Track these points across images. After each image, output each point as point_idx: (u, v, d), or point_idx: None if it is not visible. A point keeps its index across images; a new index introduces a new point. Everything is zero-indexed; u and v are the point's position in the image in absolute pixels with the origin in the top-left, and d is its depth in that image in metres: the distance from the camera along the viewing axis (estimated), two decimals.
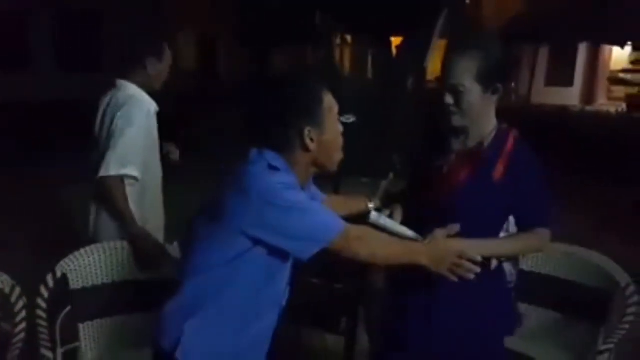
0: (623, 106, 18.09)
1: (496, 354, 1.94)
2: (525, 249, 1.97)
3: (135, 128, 2.49)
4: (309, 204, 1.59)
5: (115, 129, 2.48)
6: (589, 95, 20.51)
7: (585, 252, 2.61)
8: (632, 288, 2.44)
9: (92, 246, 2.43)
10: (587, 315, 2.55)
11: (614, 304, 2.48)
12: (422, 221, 1.80)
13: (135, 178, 2.52)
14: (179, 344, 1.61)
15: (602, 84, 21.42)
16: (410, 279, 1.84)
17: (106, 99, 2.61)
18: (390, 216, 1.87)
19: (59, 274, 2.31)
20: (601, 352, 2.31)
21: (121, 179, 2.48)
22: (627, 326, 2.36)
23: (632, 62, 20.05)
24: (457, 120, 1.79)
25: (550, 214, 1.87)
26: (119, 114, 2.49)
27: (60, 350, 2.23)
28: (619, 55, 20.89)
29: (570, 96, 19.86)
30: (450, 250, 1.65)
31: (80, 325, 2.37)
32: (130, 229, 2.49)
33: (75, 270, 2.36)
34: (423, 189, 1.88)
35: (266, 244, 1.55)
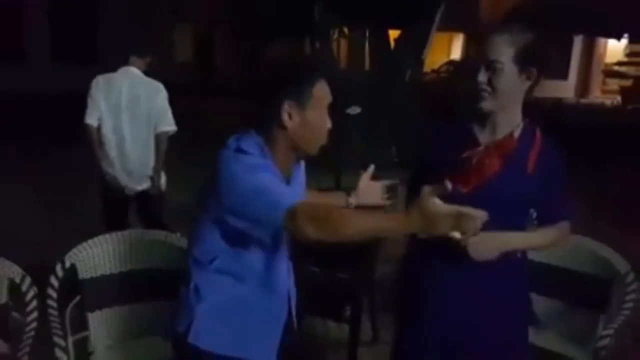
0: (618, 99, 18.15)
1: (517, 343, 1.94)
2: (554, 242, 1.94)
3: None
4: (264, 183, 1.50)
5: (163, 100, 3.68)
6: (583, 88, 20.57)
7: (585, 240, 2.64)
8: (631, 275, 2.48)
9: (100, 236, 2.46)
10: (588, 303, 2.59)
11: (614, 292, 2.52)
12: None
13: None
14: (191, 329, 1.65)
15: (596, 77, 21.48)
16: (428, 265, 1.86)
17: (123, 80, 3.60)
18: None
19: (68, 264, 2.34)
20: (602, 338, 2.35)
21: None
22: (627, 312, 2.40)
23: (627, 55, 20.08)
24: (487, 103, 1.75)
25: (572, 208, 1.89)
26: (161, 89, 3.68)
27: (70, 339, 2.25)
28: (614, 48, 20.93)
29: (566, 89, 19.92)
30: (441, 212, 1.36)
31: (89, 315, 2.40)
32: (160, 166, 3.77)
33: (84, 260, 2.39)
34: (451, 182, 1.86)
35: (241, 229, 1.54)
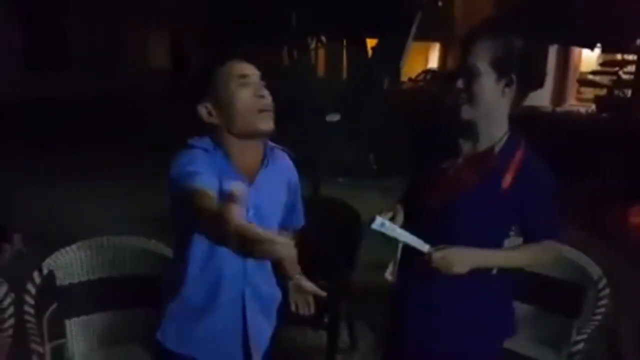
0: (592, 107, 18.48)
1: (491, 355, 1.90)
2: (535, 261, 1.87)
3: None
4: (189, 166, 1.52)
5: None
6: (559, 96, 20.87)
7: (559, 246, 2.67)
8: (604, 281, 2.53)
9: (79, 243, 2.44)
10: (562, 308, 2.64)
11: (587, 297, 2.56)
12: (423, 224, 1.77)
13: None
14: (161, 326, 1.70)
15: (571, 86, 21.84)
16: (412, 277, 1.85)
17: None
18: (392, 219, 1.79)
19: (45, 271, 2.32)
20: (576, 343, 2.40)
21: None
22: (599, 317, 2.45)
23: (601, 64, 20.47)
24: (466, 111, 1.69)
25: (559, 227, 1.80)
26: None
27: (48, 346, 2.24)
28: (588, 57, 21.34)
29: (541, 97, 20.19)
30: None
31: (67, 321, 2.39)
32: None
33: (62, 267, 2.38)
34: (426, 192, 1.81)
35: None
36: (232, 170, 1.60)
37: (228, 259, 1.60)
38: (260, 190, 1.64)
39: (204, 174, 1.49)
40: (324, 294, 1.85)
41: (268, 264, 1.76)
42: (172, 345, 1.70)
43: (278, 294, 1.83)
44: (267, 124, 1.60)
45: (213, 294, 1.65)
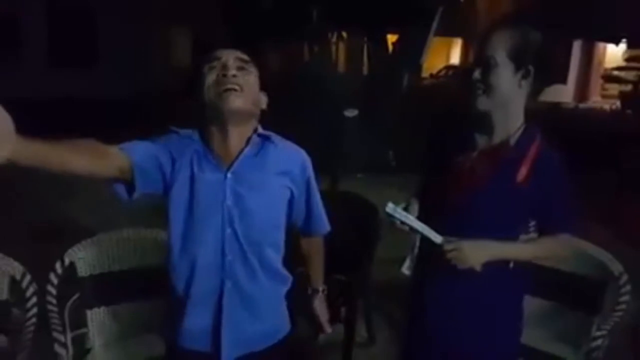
0: (617, 104, 18.19)
1: (508, 350, 1.90)
2: (552, 254, 1.88)
3: None
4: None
5: None
6: (582, 92, 20.60)
7: (580, 242, 2.64)
8: (625, 277, 2.50)
9: (100, 235, 2.48)
10: (582, 304, 2.61)
11: (608, 293, 2.54)
12: (438, 218, 1.76)
13: None
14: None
15: (595, 82, 21.52)
16: (428, 271, 1.84)
17: None
18: (406, 209, 1.79)
19: (67, 262, 2.37)
20: (595, 339, 2.38)
21: None
22: (620, 314, 2.43)
23: (626, 60, 20.09)
24: (482, 102, 1.68)
25: (574, 220, 1.79)
26: None
27: (69, 335, 2.28)
28: (613, 53, 21.00)
29: (564, 93, 19.95)
30: None
31: (88, 312, 2.43)
32: None
33: (83, 258, 2.42)
34: (441, 186, 1.80)
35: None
36: (208, 155, 1.57)
37: (201, 247, 1.57)
38: (241, 179, 1.57)
39: (142, 144, 1.54)
40: (329, 330, 1.92)
41: (256, 261, 1.62)
42: (173, 336, 1.68)
43: (273, 296, 1.71)
44: (228, 102, 1.51)
45: (189, 283, 1.59)
